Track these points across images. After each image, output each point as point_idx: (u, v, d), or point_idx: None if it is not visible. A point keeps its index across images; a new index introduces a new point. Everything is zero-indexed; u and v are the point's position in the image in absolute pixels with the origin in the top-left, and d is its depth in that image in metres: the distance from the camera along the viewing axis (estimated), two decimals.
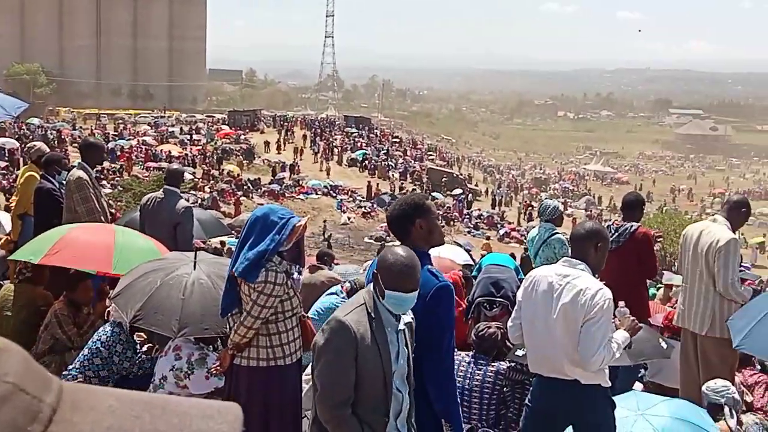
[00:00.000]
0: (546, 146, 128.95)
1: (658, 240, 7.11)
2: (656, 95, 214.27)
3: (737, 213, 5.89)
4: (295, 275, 4.95)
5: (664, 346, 5.38)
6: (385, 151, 55.06)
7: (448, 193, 46.37)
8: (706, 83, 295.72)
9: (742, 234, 48.21)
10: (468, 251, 16.44)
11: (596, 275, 4.06)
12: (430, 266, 3.70)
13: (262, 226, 4.01)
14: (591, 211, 54.26)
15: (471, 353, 5.12)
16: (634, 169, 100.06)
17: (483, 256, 11.96)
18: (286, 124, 61.67)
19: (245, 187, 38.31)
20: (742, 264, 11.64)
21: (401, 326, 3.41)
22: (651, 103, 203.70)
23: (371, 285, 3.43)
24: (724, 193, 69.48)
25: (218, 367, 4.31)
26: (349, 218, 37.49)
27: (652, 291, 14.16)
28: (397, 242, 3.74)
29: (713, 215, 6.18)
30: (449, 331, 3.67)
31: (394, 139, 66.58)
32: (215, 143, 49.09)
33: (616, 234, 6.44)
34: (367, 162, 49.68)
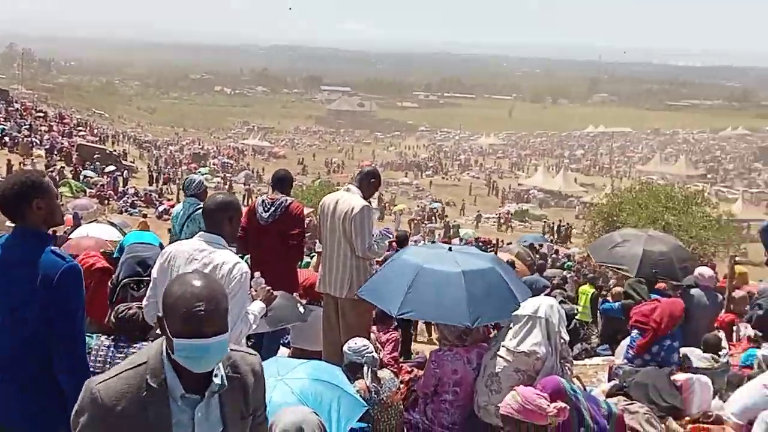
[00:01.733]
0: (204, 121, 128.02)
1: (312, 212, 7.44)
2: (308, 72, 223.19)
3: (368, 183, 6.39)
4: None
5: (302, 310, 5.66)
6: (28, 127, 50.40)
7: (102, 170, 43.92)
8: (353, 61, 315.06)
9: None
10: (122, 230, 15.78)
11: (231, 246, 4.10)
12: (54, 248, 3.44)
13: None
14: (250, 185, 55.09)
15: (111, 336, 4.91)
16: (290, 144, 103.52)
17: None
18: None
19: None
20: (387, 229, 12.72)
21: (208, 393, 2.47)
22: (304, 79, 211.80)
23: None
24: (371, 165, 74.99)
25: None
26: None
27: (306, 260, 14.82)
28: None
29: (347, 185, 6.62)
30: (80, 315, 3.45)
31: (38, 114, 61.28)
32: None
33: (273, 207, 6.58)
34: (7, 138, 45.06)
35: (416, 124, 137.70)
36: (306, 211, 13.42)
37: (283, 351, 6.60)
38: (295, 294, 7.08)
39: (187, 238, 6.34)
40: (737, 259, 18.32)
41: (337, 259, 6.24)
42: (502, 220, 48.21)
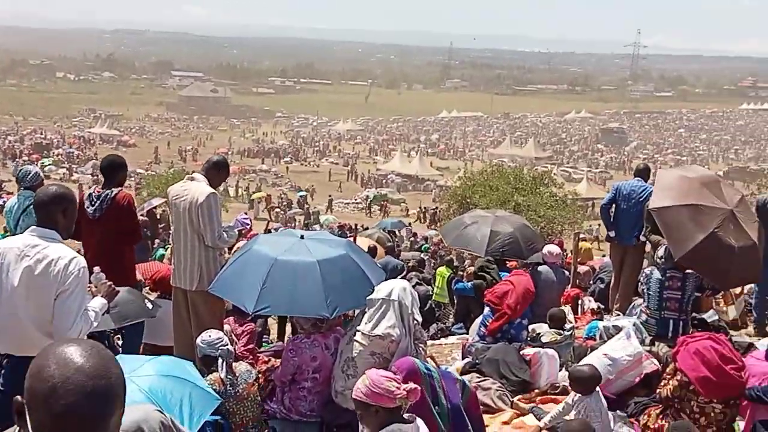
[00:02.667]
0: (46, 109, 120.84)
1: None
2: (158, 57, 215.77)
3: (215, 172, 6.21)
4: None
5: (150, 306, 5.44)
6: None
7: None
8: (204, 46, 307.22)
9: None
10: None
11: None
12: None
13: None
14: (98, 176, 52.67)
15: None
16: (140, 132, 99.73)
17: None
18: None
19: None
20: (244, 216, 12.50)
21: None
22: (153, 65, 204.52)
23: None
24: (227, 153, 73.59)
25: None
26: None
27: (161, 251, 14.32)
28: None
29: (191, 173, 6.41)
30: None
31: None
32: None
33: (99, 201, 6.24)
34: None
35: (273, 110, 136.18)
36: (157, 201, 12.98)
37: None
38: (146, 289, 6.83)
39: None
40: (582, 236, 19.42)
41: (185, 250, 6.03)
42: (364, 205, 48.70)
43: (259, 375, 5.95)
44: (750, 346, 7.17)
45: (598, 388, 5.28)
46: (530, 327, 7.81)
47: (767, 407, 5.35)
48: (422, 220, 41.73)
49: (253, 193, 49.53)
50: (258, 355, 6.75)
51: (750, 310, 9.42)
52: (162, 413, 2.58)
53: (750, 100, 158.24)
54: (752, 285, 8.95)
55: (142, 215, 18.27)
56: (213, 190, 5.99)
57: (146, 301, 5.49)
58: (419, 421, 3.80)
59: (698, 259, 6.83)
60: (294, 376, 5.58)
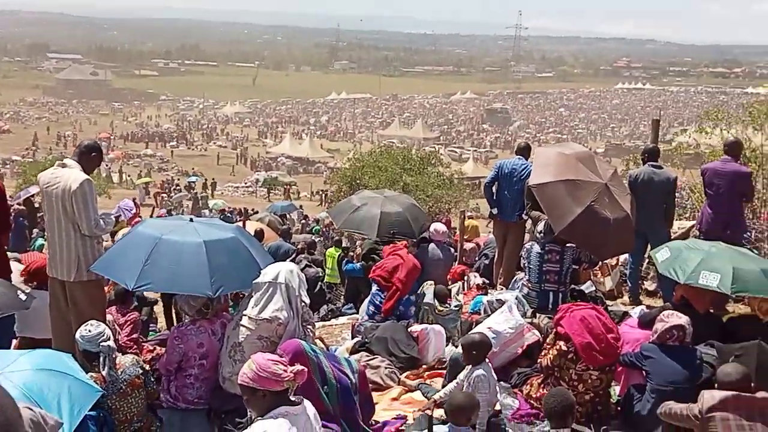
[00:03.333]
0: None
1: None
2: (32, 39, 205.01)
3: (88, 157, 5.98)
4: None
5: (23, 297, 5.21)
6: None
7: None
8: (82, 27, 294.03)
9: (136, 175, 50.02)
10: None
11: None
12: None
13: None
14: None
15: None
16: (15, 117, 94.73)
17: None
18: None
19: None
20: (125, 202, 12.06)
21: None
22: (27, 47, 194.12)
23: None
24: (110, 137, 70.97)
25: None
26: None
27: (40, 241, 13.72)
28: None
29: (62, 159, 6.15)
30: None
31: None
32: None
33: None
34: None
35: (157, 93, 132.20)
36: (35, 189, 12.41)
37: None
38: (21, 279, 6.53)
39: None
40: (469, 214, 19.87)
41: (60, 239, 5.79)
42: (254, 189, 48.02)
43: (145, 364, 5.81)
44: (625, 315, 7.56)
45: (487, 359, 5.43)
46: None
47: (640, 372, 5.65)
48: (323, 203, 41.53)
49: (138, 178, 48.06)
50: (143, 344, 6.58)
51: (625, 281, 9.90)
52: (31, 409, 2.47)
53: (625, 80, 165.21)
54: (627, 257, 9.39)
55: (18, 204, 17.50)
56: (87, 177, 5.76)
57: (19, 291, 5.24)
58: (306, 403, 3.81)
59: (577, 232, 7.11)
60: (180, 363, 5.48)
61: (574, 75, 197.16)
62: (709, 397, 4.42)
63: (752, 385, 4.56)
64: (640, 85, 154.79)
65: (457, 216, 14.89)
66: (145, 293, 8.03)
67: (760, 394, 4.33)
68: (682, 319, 5.58)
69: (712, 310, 7.51)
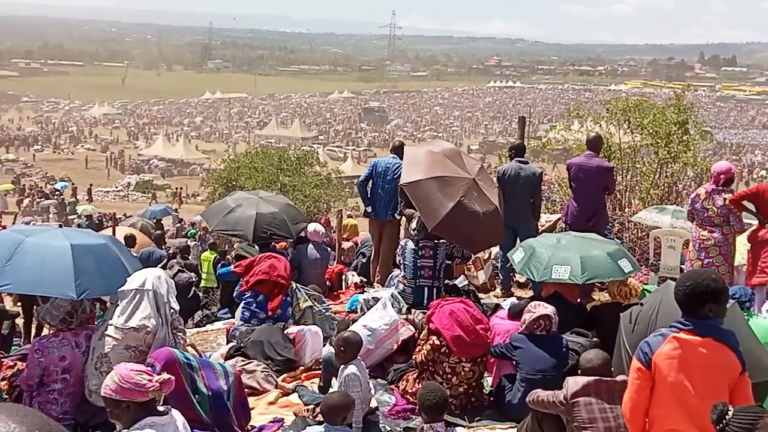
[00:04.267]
0: None
1: None
2: None
3: None
4: None
5: None
6: None
7: None
8: None
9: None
10: None
11: None
12: None
13: None
14: None
15: None
16: None
17: None
18: None
19: None
20: None
21: None
22: None
23: None
24: None
25: None
26: None
27: None
28: None
29: None
30: None
31: None
32: None
33: None
34: None
35: (18, 94, 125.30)
36: None
37: None
38: None
39: None
40: (349, 213, 19.91)
41: None
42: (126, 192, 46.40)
43: (3, 381, 5.50)
44: (497, 307, 7.76)
45: (359, 357, 5.43)
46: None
47: (510, 362, 5.83)
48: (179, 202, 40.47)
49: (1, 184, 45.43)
50: (1, 360, 6.21)
51: (497, 274, 10.18)
52: None
53: (496, 78, 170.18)
54: (498, 251, 9.65)
55: None
56: None
57: None
58: (174, 412, 3.70)
59: (449, 227, 7.27)
60: (42, 378, 5.22)
61: (448, 74, 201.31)
62: (573, 383, 4.60)
63: (612, 369, 4.79)
64: (510, 84, 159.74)
65: (336, 215, 14.91)
66: (6, 307, 7.61)
67: (620, 378, 4.54)
68: (548, 309, 5.79)
69: (579, 299, 7.86)
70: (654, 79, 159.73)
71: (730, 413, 2.94)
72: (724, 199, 8.18)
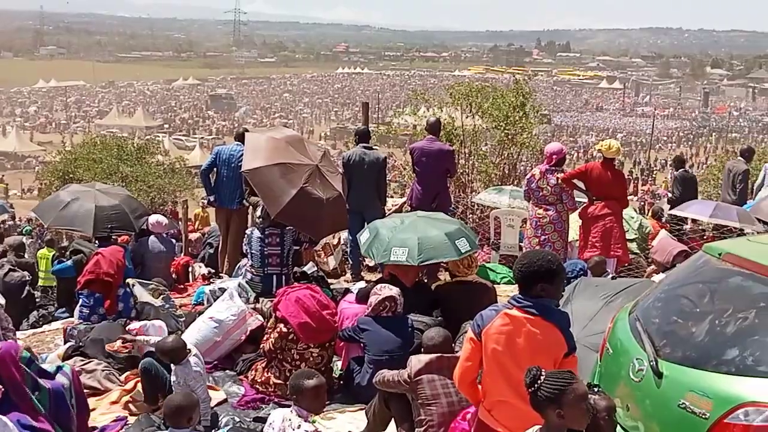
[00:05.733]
0: None
1: None
2: None
3: None
4: None
5: None
6: None
7: None
8: None
9: None
10: None
11: None
12: None
13: None
14: None
15: None
16: None
17: None
18: None
19: None
20: None
21: None
22: None
23: None
24: None
25: None
26: None
27: None
28: None
29: None
30: None
31: None
32: None
33: None
34: None
35: None
36: None
37: None
38: None
39: None
40: (202, 203, 19.38)
41: None
42: None
43: None
44: (347, 291, 7.82)
45: (189, 357, 5.24)
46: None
47: (359, 345, 5.90)
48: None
49: None
50: None
51: (347, 259, 10.27)
52: None
53: (345, 65, 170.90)
54: (348, 236, 9.72)
55: None
56: None
57: None
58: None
59: (292, 213, 7.26)
60: None
61: (296, 60, 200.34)
62: (416, 361, 4.72)
63: (453, 345, 4.95)
64: (359, 70, 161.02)
65: (182, 206, 14.50)
66: None
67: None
68: (393, 290, 5.90)
69: (426, 279, 8.06)
70: (495, 64, 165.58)
71: (542, 377, 3.10)
72: (557, 178, 8.64)
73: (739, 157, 12.23)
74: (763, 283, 3.61)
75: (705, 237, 10.62)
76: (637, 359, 3.87)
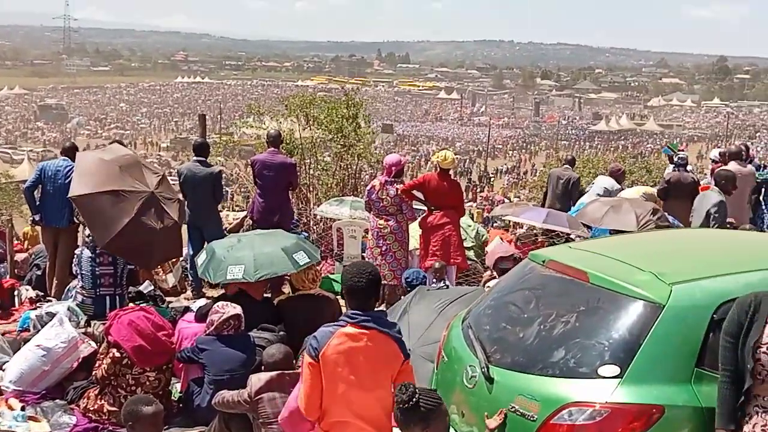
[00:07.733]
0: None
1: None
2: None
3: None
4: None
5: None
6: None
7: None
8: None
9: None
10: None
11: None
12: None
13: None
14: None
15: None
16: None
17: None
18: None
19: None
20: None
21: None
22: None
23: None
24: None
25: None
26: None
27: None
28: None
29: None
30: None
31: None
32: None
33: None
34: None
35: None
36: None
37: None
38: None
39: None
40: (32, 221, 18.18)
41: None
42: None
43: None
44: (186, 310, 7.58)
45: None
46: None
47: (198, 366, 5.72)
48: None
49: None
50: None
51: (187, 276, 9.96)
52: None
53: (184, 74, 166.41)
54: (188, 251, 9.43)
55: None
56: None
57: None
58: None
59: (122, 243, 6.99)
60: None
61: (132, 69, 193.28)
62: (256, 379, 4.64)
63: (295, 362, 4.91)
64: (199, 79, 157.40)
65: (20, 224, 13.57)
66: None
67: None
68: (237, 308, 5.79)
69: (268, 294, 7.96)
70: (337, 75, 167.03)
71: (418, 394, 3.18)
72: (396, 189, 8.79)
73: (566, 165, 12.92)
74: (582, 288, 3.83)
75: (537, 242, 11.13)
76: (470, 366, 3.99)
